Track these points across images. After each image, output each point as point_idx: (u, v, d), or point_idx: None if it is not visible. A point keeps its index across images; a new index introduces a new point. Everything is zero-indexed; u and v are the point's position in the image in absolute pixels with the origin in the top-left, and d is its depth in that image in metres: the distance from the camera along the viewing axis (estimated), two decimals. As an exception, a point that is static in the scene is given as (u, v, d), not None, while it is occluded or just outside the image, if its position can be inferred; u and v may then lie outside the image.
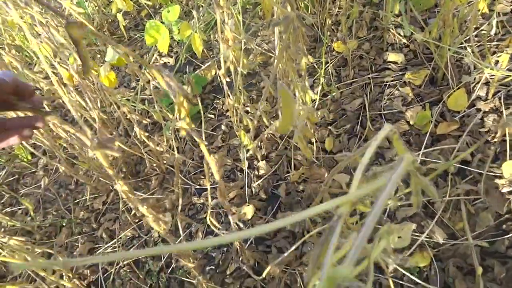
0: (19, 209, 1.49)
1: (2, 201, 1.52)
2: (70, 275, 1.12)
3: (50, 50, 1.05)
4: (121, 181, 0.58)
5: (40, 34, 1.02)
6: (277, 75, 1.05)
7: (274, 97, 1.47)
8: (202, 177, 1.31)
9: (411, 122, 1.16)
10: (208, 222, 0.93)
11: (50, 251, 1.13)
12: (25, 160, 1.60)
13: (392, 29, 1.36)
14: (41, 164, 1.61)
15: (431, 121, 1.10)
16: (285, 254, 0.90)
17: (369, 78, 1.32)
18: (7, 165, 1.60)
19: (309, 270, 0.28)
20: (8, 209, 1.47)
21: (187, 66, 1.78)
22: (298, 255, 1.03)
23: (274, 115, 1.38)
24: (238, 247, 0.99)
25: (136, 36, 2.09)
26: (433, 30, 1.06)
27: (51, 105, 1.78)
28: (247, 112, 1.32)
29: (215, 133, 1.43)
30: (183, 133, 0.61)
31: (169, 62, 1.89)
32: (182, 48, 1.73)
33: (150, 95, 1.74)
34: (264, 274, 0.89)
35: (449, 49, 1.10)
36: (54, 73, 1.57)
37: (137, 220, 1.27)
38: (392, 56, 1.33)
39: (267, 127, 1.32)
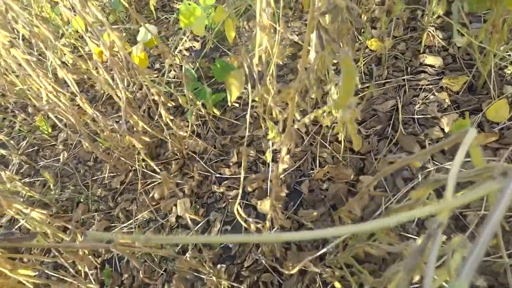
0: (37, 180, 1.49)
1: (21, 171, 1.52)
2: (86, 251, 1.11)
3: (83, 25, 1.03)
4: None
5: (73, 7, 1.00)
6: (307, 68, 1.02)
7: (305, 91, 1.44)
8: (223, 165, 1.29)
9: (446, 130, 1.12)
10: (236, 213, 0.91)
11: (68, 225, 1.12)
12: (45, 132, 1.60)
13: (432, 31, 1.31)
14: (61, 138, 1.60)
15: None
16: (318, 254, 0.88)
17: (403, 79, 1.28)
18: (28, 135, 1.60)
19: (404, 280, 0.25)
20: (27, 180, 1.47)
21: (214, 52, 1.75)
22: (319, 255, 1.01)
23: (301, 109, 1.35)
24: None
25: (163, 17, 2.06)
26: (481, 35, 1.01)
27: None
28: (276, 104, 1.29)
29: (239, 123, 1.40)
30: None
31: (194, 47, 1.86)
32: (210, 33, 1.70)
33: (174, 78, 1.72)
34: (294, 270, 0.87)
35: (494, 56, 1.05)
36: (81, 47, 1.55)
37: (154, 203, 1.26)
38: (429, 59, 1.28)
39: (298, 120, 1.29)
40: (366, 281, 0.82)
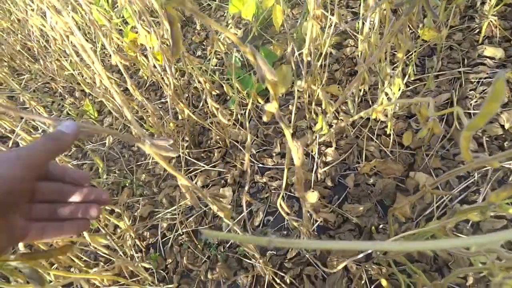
0: (84, 163, 1.55)
1: (69, 153, 1.59)
2: (133, 234, 1.14)
3: (137, 10, 1.04)
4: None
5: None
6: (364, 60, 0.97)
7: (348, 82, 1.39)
8: (266, 155, 1.28)
9: (506, 126, 1.05)
10: (279, 207, 0.90)
11: (116, 208, 1.16)
12: (92, 117, 1.65)
13: (493, 20, 1.23)
14: (107, 122, 1.65)
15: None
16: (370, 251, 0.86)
17: (459, 72, 1.21)
18: (77, 119, 1.65)
19: None
20: (74, 162, 1.53)
21: (256, 40, 1.73)
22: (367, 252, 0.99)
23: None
24: (305, 235, 0.96)
25: (205, 4, 2.06)
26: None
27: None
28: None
29: (282, 113, 1.38)
30: (267, 118, 0.57)
31: (237, 34, 1.85)
32: (254, 21, 1.67)
33: (216, 66, 1.72)
34: (339, 267, 0.86)
35: None
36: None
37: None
38: (489, 51, 1.21)
39: (346, 113, 1.26)
40: (418, 281, 0.79)
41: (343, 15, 1.65)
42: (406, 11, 0.59)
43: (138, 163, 1.45)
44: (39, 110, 1.35)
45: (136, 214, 1.27)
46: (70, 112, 1.69)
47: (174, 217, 1.23)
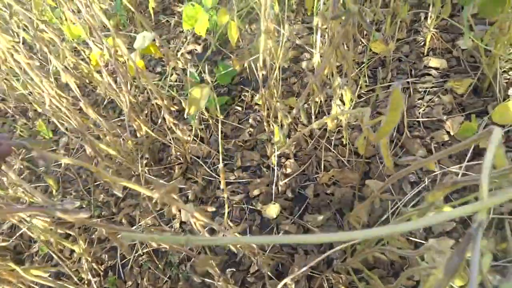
0: (38, 186, 1.48)
1: (22, 176, 1.51)
2: (89, 258, 1.10)
3: (87, 29, 1.02)
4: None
5: (79, 11, 0.99)
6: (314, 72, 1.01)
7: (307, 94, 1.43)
8: (227, 170, 1.28)
9: (452, 133, 1.11)
10: (225, 224, 0.90)
11: (71, 232, 1.11)
12: (46, 137, 1.59)
13: (436, 33, 1.31)
14: (62, 142, 1.59)
15: (476, 133, 1.05)
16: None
17: (408, 82, 1.27)
18: (29, 141, 1.58)
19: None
20: (27, 186, 1.45)
21: (216, 55, 1.74)
22: (326, 260, 1.00)
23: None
24: (252, 253, 0.94)
25: (164, 20, 2.06)
26: (486, 38, 1.01)
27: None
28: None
29: (242, 126, 1.39)
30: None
31: (196, 50, 1.86)
32: (212, 36, 1.69)
33: (176, 81, 1.71)
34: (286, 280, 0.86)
35: (499, 59, 1.05)
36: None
37: (158, 209, 1.25)
38: (433, 62, 1.28)
39: (304, 125, 1.28)
40: (375, 287, 0.81)
41: (298, 30, 1.70)
42: (343, 23, 0.62)
43: (96, 183, 1.40)
44: (-14, 132, 1.27)
45: (93, 236, 1.22)
46: (22, 134, 1.62)
47: (134, 237, 1.19)
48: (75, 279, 1.02)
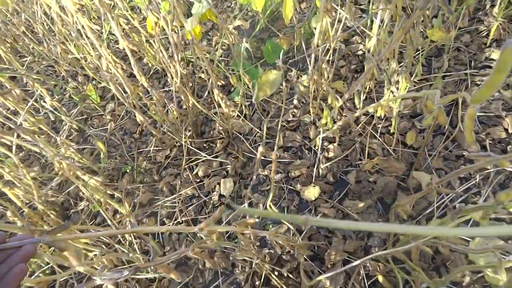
0: (85, 148, 1.54)
1: (71, 137, 1.58)
2: (133, 220, 1.14)
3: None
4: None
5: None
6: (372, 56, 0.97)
7: (353, 78, 1.39)
8: (268, 148, 1.28)
9: (510, 130, 1.05)
10: (268, 207, 0.90)
11: (117, 194, 1.16)
12: (95, 102, 1.64)
13: (502, 23, 1.22)
14: (109, 108, 1.64)
15: (537, 133, 0.99)
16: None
17: (465, 74, 1.21)
18: (80, 103, 1.64)
19: None
20: (75, 147, 1.52)
21: (262, 33, 1.72)
22: (363, 246, 0.99)
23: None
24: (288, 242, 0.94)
25: (212, -6, 2.04)
26: None
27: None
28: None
29: (286, 107, 1.38)
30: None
31: (243, 25, 1.84)
32: (262, 12, 1.66)
33: (221, 57, 1.71)
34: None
35: None
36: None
37: (198, 180, 1.27)
38: (496, 54, 1.21)
39: (350, 109, 1.26)
40: (417, 279, 0.80)
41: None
42: (421, 5, 0.59)
43: (139, 150, 1.44)
44: (42, 92, 1.34)
45: (135, 201, 1.27)
46: (72, 96, 1.68)
47: (174, 205, 1.23)
48: (120, 237, 1.07)
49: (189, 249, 0.54)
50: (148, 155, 1.42)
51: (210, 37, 1.83)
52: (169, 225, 1.18)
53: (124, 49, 0.96)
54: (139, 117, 1.12)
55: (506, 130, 1.06)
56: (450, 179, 1.04)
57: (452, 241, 0.61)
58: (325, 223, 0.18)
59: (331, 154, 1.21)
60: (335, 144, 1.20)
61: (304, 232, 1.05)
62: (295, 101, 1.38)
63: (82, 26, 0.93)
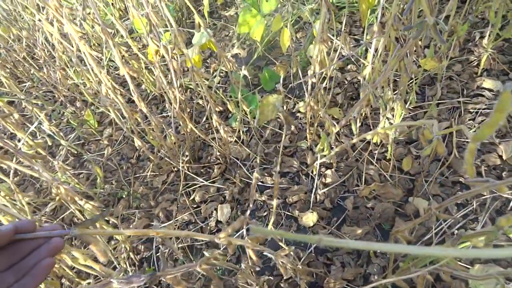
0: (81, 173, 1.53)
1: (67, 162, 1.57)
2: (128, 246, 1.12)
3: (146, 25, 1.06)
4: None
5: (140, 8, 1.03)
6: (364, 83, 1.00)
7: (349, 104, 1.42)
8: (266, 174, 1.28)
9: (504, 157, 1.07)
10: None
11: (113, 219, 1.14)
12: (92, 127, 1.65)
13: (492, 53, 1.27)
14: (107, 133, 1.65)
15: (531, 160, 1.01)
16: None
17: (458, 102, 1.24)
18: (77, 128, 1.65)
19: None
20: (72, 171, 1.51)
21: (259, 60, 1.76)
22: (362, 274, 0.98)
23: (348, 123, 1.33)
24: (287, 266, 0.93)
25: (211, 23, 2.10)
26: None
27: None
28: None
29: (283, 132, 1.39)
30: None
31: (240, 54, 1.88)
32: (260, 41, 1.71)
33: (219, 83, 1.74)
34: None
35: None
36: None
37: (195, 206, 1.26)
38: (487, 83, 1.24)
39: (346, 136, 1.27)
40: (418, 308, 0.78)
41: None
42: (415, 34, 0.61)
43: (136, 175, 1.44)
44: (40, 117, 1.34)
45: (131, 226, 1.25)
46: (70, 121, 1.69)
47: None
48: (115, 263, 1.05)
49: (197, 265, 0.54)
50: (145, 180, 1.41)
51: (208, 64, 1.87)
52: (164, 252, 1.16)
53: (123, 75, 0.98)
54: (137, 142, 1.13)
55: (500, 156, 1.07)
56: (448, 205, 1.04)
57: (454, 268, 0.61)
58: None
59: (328, 180, 1.21)
60: (332, 170, 1.21)
61: (303, 258, 1.03)
62: (291, 127, 1.40)
63: (84, 53, 0.95)
